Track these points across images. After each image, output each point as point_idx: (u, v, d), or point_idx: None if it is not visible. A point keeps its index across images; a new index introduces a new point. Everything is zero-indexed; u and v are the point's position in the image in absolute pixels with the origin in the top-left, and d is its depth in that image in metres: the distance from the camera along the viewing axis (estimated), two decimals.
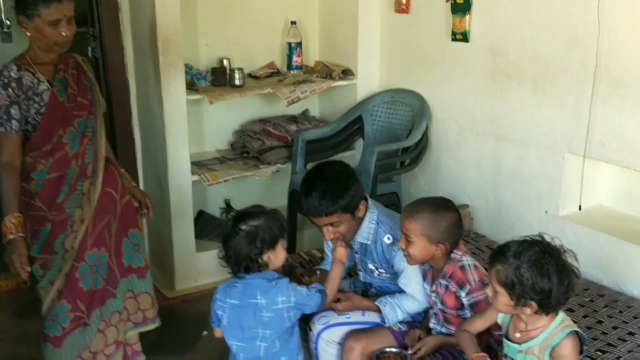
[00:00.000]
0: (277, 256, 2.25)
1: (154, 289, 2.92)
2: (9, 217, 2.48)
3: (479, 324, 2.25)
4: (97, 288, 2.64)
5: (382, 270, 2.61)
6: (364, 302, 2.59)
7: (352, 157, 4.25)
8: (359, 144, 4.26)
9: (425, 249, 2.33)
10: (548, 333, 2.02)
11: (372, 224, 2.55)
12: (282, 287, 2.23)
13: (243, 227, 2.20)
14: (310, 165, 4.10)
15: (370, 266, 2.61)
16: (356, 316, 2.60)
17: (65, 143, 2.59)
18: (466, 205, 3.68)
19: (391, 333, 2.55)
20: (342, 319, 2.58)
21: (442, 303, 2.40)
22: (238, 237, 2.20)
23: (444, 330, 2.46)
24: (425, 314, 2.58)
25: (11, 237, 2.46)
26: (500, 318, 2.17)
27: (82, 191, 2.61)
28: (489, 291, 2.06)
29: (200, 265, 3.98)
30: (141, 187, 4.13)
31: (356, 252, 2.66)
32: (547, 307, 1.97)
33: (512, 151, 3.44)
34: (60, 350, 2.61)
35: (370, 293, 2.75)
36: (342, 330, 2.57)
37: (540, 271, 1.93)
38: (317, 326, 2.59)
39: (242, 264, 2.21)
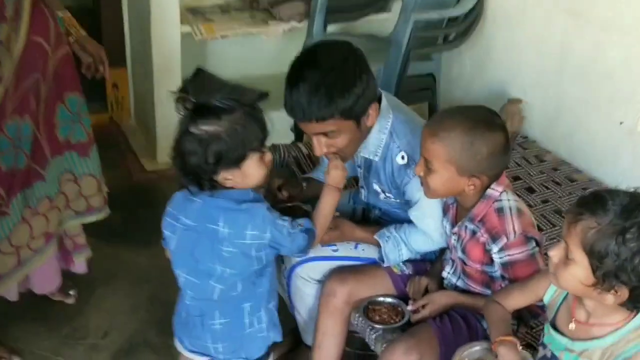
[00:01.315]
0: (247, 176, 1.60)
1: (100, 170, 2.34)
2: None
3: (518, 299, 1.61)
4: (18, 168, 2.05)
5: (389, 195, 1.94)
6: (358, 232, 1.94)
7: (386, 22, 3.43)
8: (397, 4, 3.40)
9: (451, 182, 1.64)
10: (620, 337, 1.36)
11: (382, 135, 1.83)
12: (256, 216, 1.61)
13: (193, 129, 1.53)
14: (332, 28, 3.34)
15: (376, 187, 1.94)
16: (345, 249, 1.96)
17: None
18: (518, 100, 2.95)
19: (389, 276, 1.92)
20: (327, 251, 1.94)
21: (464, 251, 1.73)
22: (186, 142, 1.55)
23: (460, 284, 1.81)
24: (439, 253, 1.92)
25: None
26: (549, 295, 1.51)
27: (1, 41, 1.94)
28: (554, 253, 1.36)
29: None
30: (127, 42, 3.47)
31: (359, 166, 1.97)
32: (638, 300, 1.30)
33: (588, 36, 2.69)
34: None
35: (372, 215, 2.09)
36: (324, 266, 1.94)
37: None
38: (290, 259, 1.96)
39: (192, 178, 1.59)
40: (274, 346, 1.81)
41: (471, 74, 3.27)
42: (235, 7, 3.42)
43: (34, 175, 2.11)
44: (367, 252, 1.96)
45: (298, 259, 1.93)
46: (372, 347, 1.83)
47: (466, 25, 3.03)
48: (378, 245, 1.92)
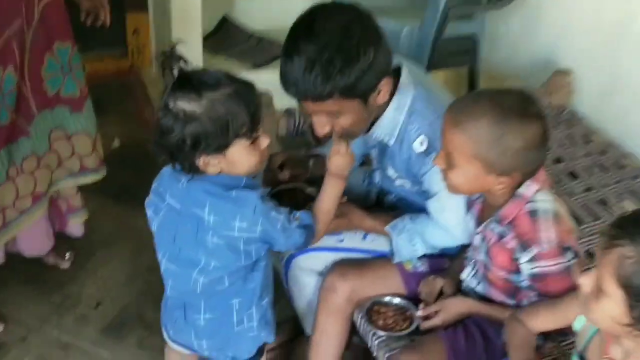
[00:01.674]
0: (233, 164, 1.38)
1: (96, 128, 2.14)
2: None
3: (546, 321, 1.38)
4: (1, 123, 1.87)
5: (405, 182, 1.71)
6: (368, 221, 1.71)
7: None
8: None
9: (476, 180, 1.39)
10: None
11: (399, 115, 1.58)
12: (246, 206, 1.39)
13: (171, 104, 1.31)
14: None
15: (390, 172, 1.70)
16: (352, 239, 1.74)
17: None
18: (567, 71, 2.62)
19: (400, 273, 1.70)
20: (331, 240, 1.72)
21: (488, 255, 1.50)
22: (163, 118, 1.34)
23: (480, 289, 1.58)
24: (461, 249, 1.68)
25: None
26: (580, 323, 1.28)
27: None
28: (585, 282, 1.12)
29: None
30: None
31: (373, 146, 1.74)
32: None
33: None
34: None
35: (387, 200, 1.86)
36: (327, 258, 1.73)
37: None
38: None
39: (171, 157, 1.38)
40: (265, 346, 1.62)
41: (518, 37, 2.95)
42: None
43: (19, 131, 1.93)
44: (376, 243, 1.73)
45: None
46: (374, 354, 1.63)
47: None
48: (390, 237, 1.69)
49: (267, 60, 3.19)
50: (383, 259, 1.72)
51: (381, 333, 1.61)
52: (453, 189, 1.45)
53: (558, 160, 2.32)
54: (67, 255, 2.31)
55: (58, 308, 2.19)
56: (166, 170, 1.48)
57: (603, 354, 1.20)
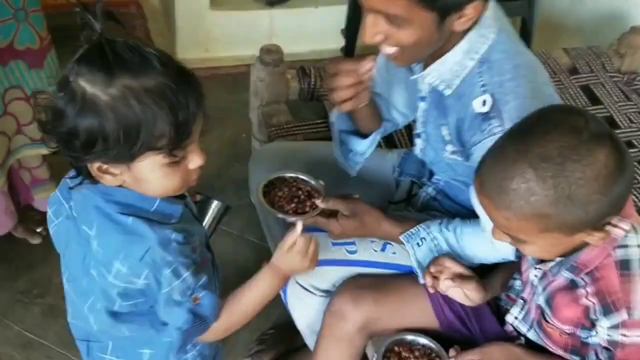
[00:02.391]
0: (138, 181, 0.99)
1: None
2: None
3: None
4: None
5: (455, 150, 1.31)
6: (385, 225, 1.34)
7: None
8: None
9: (559, 244, 1.03)
10: None
11: (468, 60, 1.20)
12: (137, 246, 0.99)
13: (72, 79, 0.92)
14: None
15: (444, 132, 1.31)
16: (368, 250, 1.38)
17: None
18: None
19: (428, 298, 1.33)
20: (340, 252, 1.36)
21: (549, 303, 1.12)
22: (58, 94, 0.93)
23: (532, 336, 1.21)
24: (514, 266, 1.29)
25: None
26: None
27: None
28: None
29: (214, 29, 2.73)
30: None
31: (422, 97, 1.34)
32: None
33: None
34: None
35: (422, 195, 1.49)
36: (335, 273, 1.36)
37: None
38: None
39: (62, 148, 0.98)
40: None
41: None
42: None
43: None
44: (400, 256, 1.36)
45: None
46: None
47: None
48: None
49: None
50: (407, 277, 1.35)
51: None
52: (536, 257, 1.10)
53: (630, 144, 1.91)
54: (39, 229, 1.98)
55: (24, 297, 1.87)
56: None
57: None
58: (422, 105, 1.35)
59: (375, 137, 1.45)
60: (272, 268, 1.15)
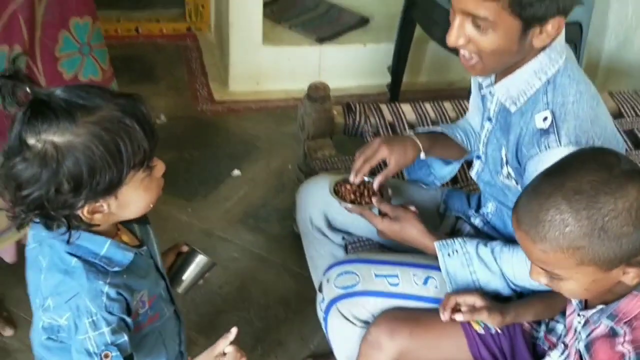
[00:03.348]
0: (124, 206, 1.04)
1: None
2: None
3: None
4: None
5: (510, 174, 1.36)
6: (425, 237, 1.40)
7: None
8: None
9: (596, 282, 1.04)
10: None
11: (536, 79, 1.27)
12: (69, 287, 1.03)
13: (33, 142, 0.96)
14: None
15: (503, 152, 1.36)
16: (409, 283, 1.40)
17: None
18: None
19: (465, 334, 1.35)
20: (382, 284, 1.39)
21: (588, 349, 1.13)
22: (20, 163, 0.97)
23: None
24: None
25: None
26: None
27: None
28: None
29: (266, 64, 2.82)
30: None
31: (489, 118, 1.39)
32: None
33: None
34: None
35: (466, 228, 1.53)
36: (375, 304, 1.40)
37: None
38: (332, 288, 1.42)
39: (42, 214, 1.02)
40: None
41: (630, 28, 2.48)
42: None
43: None
44: (441, 291, 1.39)
45: (342, 291, 1.40)
46: None
47: None
48: None
49: (333, 34, 2.87)
50: None
51: None
52: (574, 297, 1.13)
53: None
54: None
55: None
56: None
57: None
58: (487, 125, 1.41)
59: (456, 165, 1.61)
60: None
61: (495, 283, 1.37)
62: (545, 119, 1.25)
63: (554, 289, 1.08)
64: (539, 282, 1.08)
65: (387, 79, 2.76)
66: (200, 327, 1.93)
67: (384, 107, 2.04)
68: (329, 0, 3.07)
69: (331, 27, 2.91)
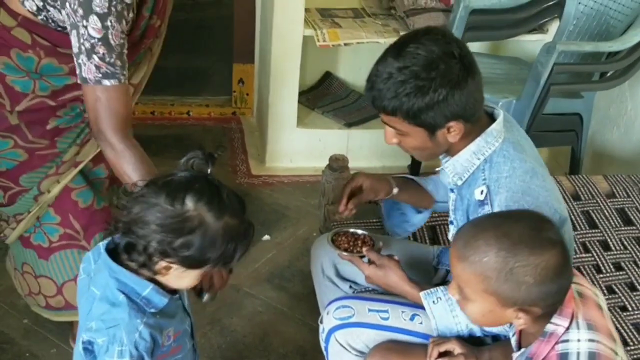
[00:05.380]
0: (178, 278, 1.31)
1: None
2: None
3: None
4: (99, 206, 1.90)
5: None
6: (404, 284, 1.63)
7: (539, 44, 2.95)
8: (554, 26, 2.93)
9: (493, 314, 1.26)
10: None
11: (476, 159, 1.51)
12: (113, 318, 1.26)
13: (190, 204, 1.23)
14: (475, 46, 2.95)
15: (465, 218, 1.60)
16: (398, 318, 1.63)
17: None
18: None
19: None
20: (374, 317, 1.62)
21: None
22: (166, 206, 1.23)
23: None
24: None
25: None
26: None
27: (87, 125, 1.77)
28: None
29: (299, 144, 3.14)
30: (256, 39, 3.32)
31: (451, 190, 1.64)
32: None
33: None
34: (47, 263, 1.93)
35: (450, 279, 1.74)
36: (368, 335, 1.62)
37: None
38: (330, 319, 1.66)
39: (127, 235, 1.27)
40: None
41: (630, 119, 2.73)
42: (371, 12, 3.14)
43: None
44: (425, 326, 1.61)
45: (339, 322, 1.63)
46: None
47: (631, 61, 2.50)
48: None
49: (359, 120, 3.18)
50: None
51: None
52: (473, 320, 1.34)
53: None
54: None
55: None
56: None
57: None
58: (452, 195, 1.65)
59: (427, 214, 1.87)
60: None
61: (473, 327, 1.57)
62: (482, 192, 1.49)
63: (461, 308, 1.30)
64: (453, 297, 1.30)
65: (408, 160, 3.04)
66: None
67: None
68: (359, 91, 3.41)
69: (359, 113, 3.22)
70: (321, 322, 1.69)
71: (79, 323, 1.42)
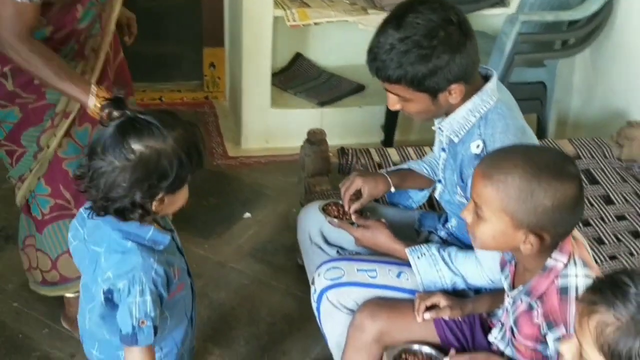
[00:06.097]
0: (173, 202, 1.39)
1: None
2: None
3: None
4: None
5: (462, 194, 1.69)
6: (391, 241, 1.74)
7: (502, 18, 3.05)
8: None
9: (503, 235, 1.34)
10: None
11: (473, 116, 1.61)
12: (127, 264, 1.34)
13: (137, 146, 1.29)
14: None
15: (455, 176, 1.70)
16: (385, 276, 1.72)
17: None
18: (638, 123, 2.49)
19: (433, 319, 1.65)
20: (363, 276, 1.71)
21: (516, 323, 1.43)
22: (121, 162, 1.29)
23: (508, 352, 1.51)
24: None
25: None
26: None
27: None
28: (564, 350, 1.11)
29: (274, 125, 3.19)
30: (226, 23, 3.39)
31: (443, 149, 1.73)
32: None
33: None
34: (41, 237, 2.02)
35: (435, 239, 1.85)
36: (358, 294, 1.70)
37: None
38: (321, 280, 1.74)
39: (112, 204, 1.33)
40: None
41: (591, 87, 2.86)
42: None
43: None
44: (411, 282, 1.70)
45: (330, 282, 1.71)
46: None
47: (590, 29, 2.62)
48: None
49: (332, 99, 3.24)
50: None
51: None
52: (480, 244, 1.40)
53: (621, 218, 2.21)
54: None
55: None
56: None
57: None
58: (442, 154, 1.74)
59: (427, 193, 1.96)
60: None
61: (456, 281, 1.68)
62: (478, 146, 1.59)
63: (471, 232, 1.38)
64: (466, 220, 1.37)
65: (381, 137, 3.12)
66: (215, 340, 2.21)
67: (372, 150, 2.39)
68: (328, 72, 3.47)
69: (331, 92, 3.29)
70: (312, 284, 1.77)
71: (80, 291, 1.50)
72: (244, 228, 2.71)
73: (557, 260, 1.33)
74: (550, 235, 1.31)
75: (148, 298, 1.33)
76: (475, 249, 1.61)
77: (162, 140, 1.30)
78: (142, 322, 1.35)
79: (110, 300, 1.36)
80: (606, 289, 1.04)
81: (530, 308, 1.38)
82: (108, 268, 1.34)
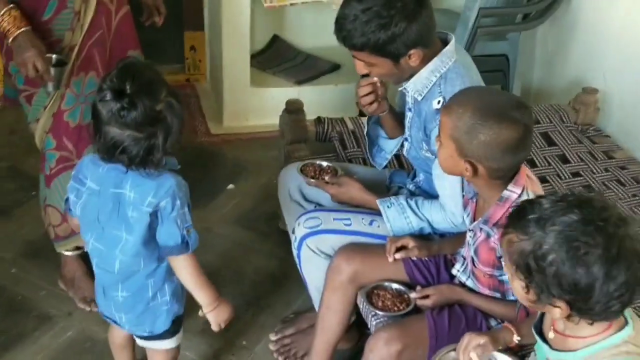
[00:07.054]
0: None
1: None
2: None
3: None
4: (86, 122, 2.10)
5: (427, 148, 1.85)
6: (363, 193, 1.93)
7: None
8: None
9: (451, 160, 1.54)
10: (594, 351, 1.22)
11: (434, 76, 1.78)
12: (164, 185, 1.53)
13: (159, 107, 1.48)
14: None
15: (420, 133, 1.86)
16: (359, 223, 1.89)
17: None
18: (594, 90, 2.69)
19: (401, 260, 1.82)
20: (338, 224, 1.88)
21: (475, 252, 1.61)
22: (143, 118, 1.46)
23: (469, 283, 1.70)
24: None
25: (16, 32, 1.92)
26: None
27: (73, 9, 2.03)
28: (505, 267, 1.31)
29: (254, 103, 3.34)
30: (205, 6, 3.52)
31: (409, 109, 1.89)
32: (585, 313, 1.19)
33: None
34: (49, 190, 2.17)
35: (405, 192, 2.02)
36: (335, 240, 1.87)
37: (575, 255, 1.14)
38: (301, 229, 1.90)
39: (134, 158, 1.50)
40: (179, 321, 1.76)
41: (551, 58, 3.04)
42: None
43: None
44: (382, 229, 1.87)
45: (308, 230, 1.88)
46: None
47: (548, 2, 2.80)
48: None
49: (309, 78, 3.40)
50: None
51: (380, 313, 1.74)
52: (440, 162, 1.60)
53: (576, 175, 2.40)
54: None
55: None
56: (86, 159, 1.63)
57: (550, 327, 1.31)
58: (409, 114, 1.90)
59: (399, 140, 2.02)
60: (215, 299, 1.68)
61: (423, 226, 1.85)
62: (439, 102, 1.76)
63: (437, 155, 1.58)
64: (435, 145, 1.57)
65: (356, 113, 3.28)
66: None
67: (347, 119, 2.56)
68: (306, 51, 3.63)
69: (308, 72, 3.45)
70: (293, 233, 1.93)
71: (97, 247, 1.63)
72: (228, 198, 2.87)
73: (511, 191, 1.51)
74: (484, 167, 1.49)
75: (187, 209, 1.57)
76: (440, 197, 1.79)
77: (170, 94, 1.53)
78: (188, 231, 1.58)
79: (155, 217, 1.54)
80: (514, 215, 1.25)
81: (488, 236, 1.56)
82: (148, 194, 1.52)
